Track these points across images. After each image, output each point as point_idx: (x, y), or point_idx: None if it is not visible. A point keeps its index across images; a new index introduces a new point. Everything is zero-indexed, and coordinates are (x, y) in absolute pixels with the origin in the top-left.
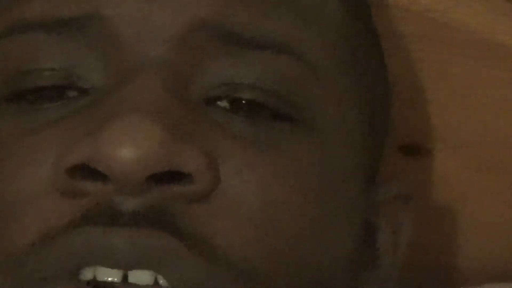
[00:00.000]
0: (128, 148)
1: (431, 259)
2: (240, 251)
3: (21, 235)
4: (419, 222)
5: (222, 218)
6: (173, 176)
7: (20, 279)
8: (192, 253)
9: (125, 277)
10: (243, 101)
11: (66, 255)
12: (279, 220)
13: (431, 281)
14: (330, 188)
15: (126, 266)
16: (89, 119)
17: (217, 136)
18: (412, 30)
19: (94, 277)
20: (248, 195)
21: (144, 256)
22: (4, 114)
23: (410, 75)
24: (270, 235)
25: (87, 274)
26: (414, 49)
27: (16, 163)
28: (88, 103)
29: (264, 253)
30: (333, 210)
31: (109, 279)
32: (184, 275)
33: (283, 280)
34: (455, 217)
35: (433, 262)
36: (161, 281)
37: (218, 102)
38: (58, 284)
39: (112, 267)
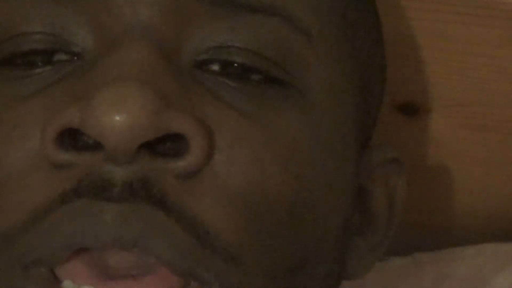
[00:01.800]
0: (121, 114)
1: (426, 219)
2: (227, 229)
3: (10, 214)
4: (415, 182)
5: (211, 195)
6: (167, 149)
7: (10, 261)
8: (180, 228)
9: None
10: (235, 65)
11: (55, 235)
12: (269, 196)
13: (427, 241)
14: (322, 156)
15: (113, 243)
16: (78, 86)
17: (209, 104)
18: None
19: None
20: (238, 172)
21: (133, 233)
22: None
23: (407, 35)
24: (260, 212)
25: None
26: (411, 8)
27: (3, 136)
28: (78, 68)
29: (254, 231)
30: (325, 179)
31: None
32: (171, 249)
33: (272, 256)
34: (451, 176)
35: (429, 222)
36: None
37: (214, 66)
38: (48, 265)
39: (101, 245)
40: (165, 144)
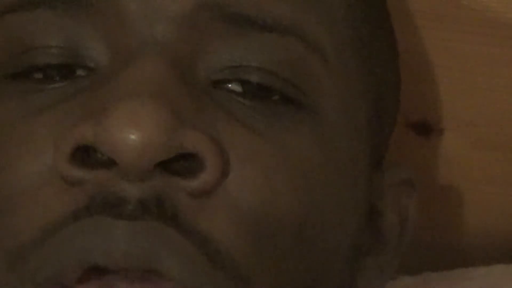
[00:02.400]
0: (135, 132)
1: (437, 238)
2: (238, 248)
3: (22, 230)
4: (427, 201)
5: (223, 213)
6: (181, 168)
7: (22, 278)
8: (191, 245)
9: None
10: (253, 84)
11: (66, 251)
12: (280, 216)
13: (439, 261)
14: (334, 177)
15: (125, 263)
16: (92, 101)
17: (223, 122)
18: (422, 7)
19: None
20: (250, 191)
21: (143, 249)
22: (9, 92)
23: (420, 54)
24: (270, 231)
25: None
26: (424, 27)
27: (16, 150)
28: (93, 83)
29: (263, 250)
30: (337, 199)
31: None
32: (181, 266)
33: (281, 276)
34: (463, 195)
35: (440, 241)
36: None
37: (229, 85)
38: (60, 284)
39: (111, 261)
40: (179, 162)
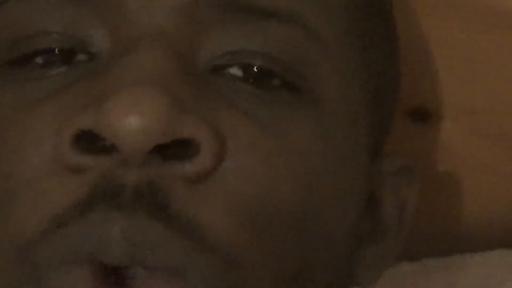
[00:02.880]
0: (135, 117)
1: (436, 227)
2: (229, 236)
3: (29, 222)
4: (424, 189)
5: (217, 201)
6: (178, 153)
7: (30, 268)
8: (179, 238)
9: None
10: (254, 68)
11: (66, 249)
12: (277, 204)
13: (437, 249)
14: (333, 165)
15: (120, 260)
16: (93, 89)
17: (223, 110)
18: None
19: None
20: (247, 179)
21: (136, 250)
22: (9, 80)
23: (420, 42)
24: (266, 219)
25: None
26: (423, 15)
27: (18, 140)
28: (93, 70)
29: (257, 239)
30: (335, 187)
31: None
32: (170, 263)
33: (275, 264)
34: (461, 183)
35: (439, 230)
36: None
37: (230, 70)
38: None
39: (108, 259)
40: (177, 148)
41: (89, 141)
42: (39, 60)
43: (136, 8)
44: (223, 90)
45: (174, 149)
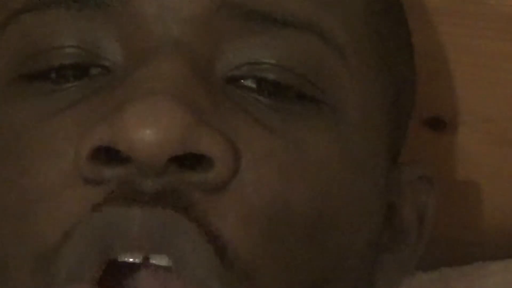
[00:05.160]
0: (151, 129)
1: (453, 234)
2: (246, 247)
3: (46, 234)
4: (442, 197)
5: (234, 211)
6: (194, 162)
7: (46, 280)
8: (203, 239)
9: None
10: (269, 81)
11: (88, 241)
12: (294, 215)
13: (454, 256)
14: (351, 174)
15: (140, 249)
16: (109, 101)
17: (240, 121)
18: (437, 3)
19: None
20: (264, 189)
21: (159, 238)
22: (24, 94)
23: (436, 49)
24: (282, 230)
25: None
26: (439, 23)
27: (36, 154)
28: (108, 83)
29: (273, 250)
30: (353, 198)
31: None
32: (191, 256)
33: (290, 275)
34: (478, 191)
35: (456, 237)
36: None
37: (243, 81)
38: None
39: (129, 249)
40: (193, 159)
41: (107, 153)
42: (53, 74)
43: (151, 19)
44: (239, 101)
45: (190, 160)
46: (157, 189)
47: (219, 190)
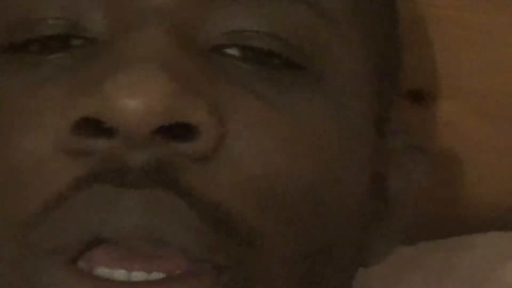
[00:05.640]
0: (135, 99)
1: (433, 207)
2: (245, 212)
3: (26, 203)
4: None
5: (228, 178)
6: (180, 132)
7: (25, 251)
8: (194, 213)
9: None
10: (253, 49)
11: (71, 225)
12: (287, 179)
13: (434, 230)
14: (340, 139)
15: (133, 235)
16: (92, 71)
17: (225, 88)
18: None
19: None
20: (254, 155)
21: (151, 222)
22: (7, 66)
23: (420, 22)
24: (277, 195)
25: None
26: None
27: (20, 125)
28: (92, 53)
29: (272, 214)
30: (343, 163)
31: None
32: (185, 236)
33: (291, 241)
34: (459, 163)
35: (437, 210)
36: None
37: (227, 50)
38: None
39: (119, 235)
40: (180, 127)
41: (92, 125)
42: (35, 46)
43: None
44: (224, 68)
45: (178, 127)
46: (144, 163)
47: (209, 159)
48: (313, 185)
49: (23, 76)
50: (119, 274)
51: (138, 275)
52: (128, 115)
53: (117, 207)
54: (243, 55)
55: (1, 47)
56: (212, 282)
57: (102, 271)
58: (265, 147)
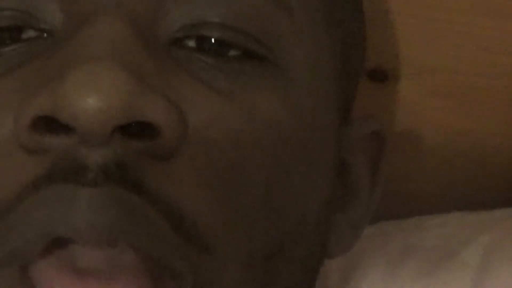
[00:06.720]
0: (92, 97)
1: (393, 187)
2: (203, 215)
3: None
4: None
5: (187, 177)
6: (141, 130)
7: None
8: (155, 214)
9: None
10: (211, 40)
11: (27, 223)
12: (246, 178)
13: (393, 209)
14: (303, 134)
15: (88, 231)
16: (49, 66)
17: (184, 83)
18: None
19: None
20: (214, 153)
21: (107, 220)
22: None
23: (377, 1)
24: (237, 194)
25: None
26: None
27: None
28: (48, 46)
29: (230, 215)
30: (305, 158)
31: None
32: (145, 236)
33: (249, 242)
34: (418, 142)
35: (395, 189)
36: None
37: (185, 42)
38: (21, 261)
39: (75, 235)
40: (138, 126)
41: (49, 122)
42: None
43: None
44: (183, 62)
45: (136, 128)
46: (103, 162)
47: (169, 158)
48: (272, 181)
49: None
50: None
51: None
52: (86, 113)
53: (74, 205)
54: (200, 47)
55: None
56: None
57: None
58: (224, 145)
